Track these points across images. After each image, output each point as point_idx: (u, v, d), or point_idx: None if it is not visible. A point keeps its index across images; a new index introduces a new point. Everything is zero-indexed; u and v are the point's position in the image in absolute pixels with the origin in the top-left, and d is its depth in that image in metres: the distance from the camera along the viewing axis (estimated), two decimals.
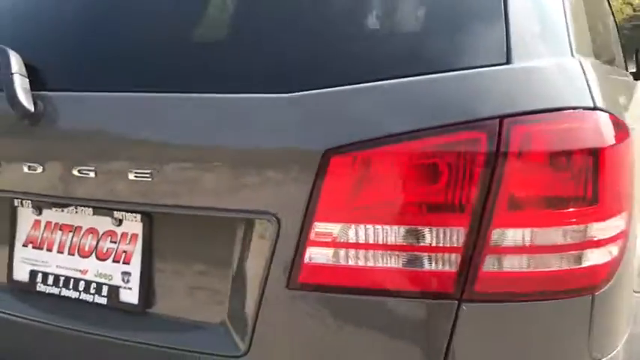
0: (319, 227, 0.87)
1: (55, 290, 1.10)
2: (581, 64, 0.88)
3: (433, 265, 0.85)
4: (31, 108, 0.98)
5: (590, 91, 0.85)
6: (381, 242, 0.86)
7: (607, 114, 0.86)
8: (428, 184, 0.84)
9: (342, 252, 0.88)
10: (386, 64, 0.88)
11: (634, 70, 3.32)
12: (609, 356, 0.93)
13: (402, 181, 0.85)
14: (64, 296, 1.09)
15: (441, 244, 0.84)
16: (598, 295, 0.87)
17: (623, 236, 0.89)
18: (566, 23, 0.92)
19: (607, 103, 0.89)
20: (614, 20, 2.46)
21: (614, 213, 0.87)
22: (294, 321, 0.92)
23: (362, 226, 0.86)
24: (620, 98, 1.14)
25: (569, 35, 0.91)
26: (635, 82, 2.22)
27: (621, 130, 0.90)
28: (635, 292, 1.18)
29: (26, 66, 1.01)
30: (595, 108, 0.85)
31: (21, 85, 0.98)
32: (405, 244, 0.85)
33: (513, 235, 0.83)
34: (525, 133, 0.81)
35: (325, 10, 0.96)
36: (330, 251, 0.88)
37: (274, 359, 0.94)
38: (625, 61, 2.53)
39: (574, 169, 0.82)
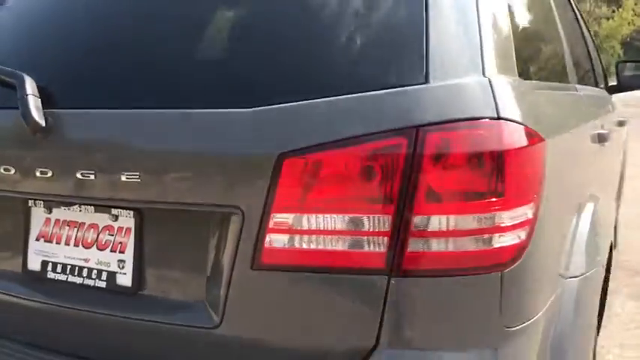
0: (277, 217, 1.06)
1: (62, 277, 1.30)
2: (490, 82, 1.06)
3: (369, 246, 1.03)
4: (42, 123, 1.18)
5: (496, 104, 1.04)
6: (327, 228, 1.05)
7: (513, 122, 1.05)
8: (366, 180, 1.03)
9: (296, 237, 1.06)
10: (328, 85, 1.07)
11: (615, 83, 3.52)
12: (523, 325, 1.10)
13: (345, 179, 1.04)
14: (70, 282, 1.29)
15: (374, 229, 1.03)
16: (507, 271, 1.05)
17: (529, 223, 1.07)
18: (481, 48, 1.10)
19: (518, 114, 1.08)
20: (584, 40, 2.63)
21: (519, 204, 1.05)
22: (258, 296, 1.10)
23: (312, 216, 1.05)
24: (545, 109, 1.32)
25: (482, 58, 1.09)
26: (596, 94, 2.39)
27: (529, 136, 1.08)
28: (572, 277, 1.36)
29: (38, 87, 1.22)
30: (499, 118, 1.03)
31: (34, 104, 1.19)
32: (346, 229, 1.04)
33: (432, 222, 1.01)
34: (437, 138, 1.00)
35: (276, 41, 1.16)
36: (286, 237, 1.07)
37: (241, 329, 1.12)
38: (594, 75, 2.70)
39: (480, 168, 1.01)
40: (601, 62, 3.63)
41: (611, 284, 3.72)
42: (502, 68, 1.15)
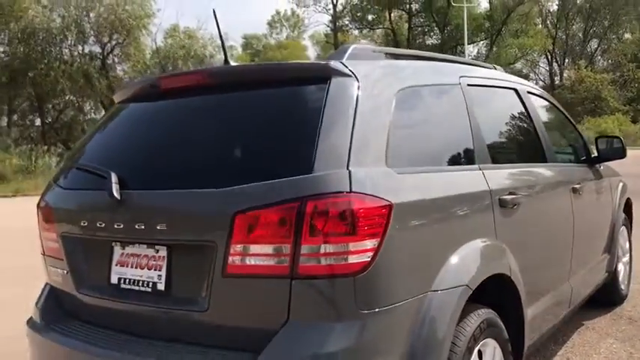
0: (234, 247, 1.95)
1: (129, 287, 2.24)
2: (349, 172, 1.92)
3: (280, 262, 1.90)
4: (119, 198, 2.17)
5: (350, 184, 1.90)
6: (261, 252, 1.93)
7: (360, 194, 1.90)
8: (279, 226, 1.91)
9: (245, 258, 1.95)
10: (261, 174, 1.98)
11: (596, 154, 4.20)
12: (375, 310, 1.91)
13: (268, 225, 1.92)
14: (132, 289, 2.23)
15: (283, 253, 1.90)
16: (358, 277, 1.88)
17: (373, 250, 1.89)
18: (349, 152, 1.97)
19: (367, 189, 1.92)
20: (534, 127, 3.36)
21: (365, 239, 1.88)
22: (226, 293, 1.99)
23: (254, 245, 1.94)
24: (403, 186, 2.10)
25: (349, 158, 1.96)
26: (518, 171, 3.09)
27: (373, 201, 1.92)
28: (435, 290, 2.13)
29: (118, 178, 2.21)
30: (351, 192, 1.89)
31: (115, 188, 2.18)
32: (270, 253, 1.92)
33: (312, 248, 1.87)
34: (312, 203, 1.87)
35: (231, 155, 2.11)
36: (239, 257, 1.95)
37: (219, 313, 2.00)
38: (553, 152, 3.42)
39: (337, 219, 1.86)
40: (583, 140, 4.32)
41: (608, 329, 4.20)
42: (366, 162, 2.00)
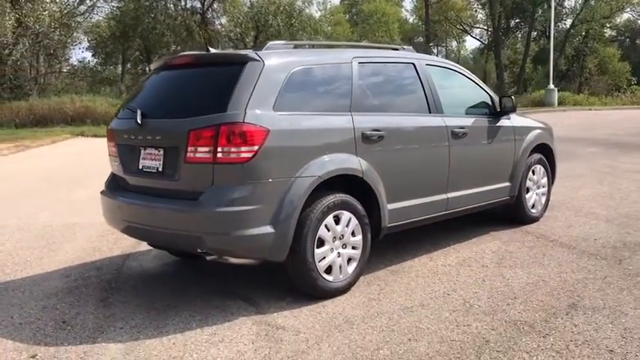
0: (189, 148, 3.93)
1: (146, 170, 4.28)
2: (245, 111, 3.83)
3: (210, 156, 3.86)
4: (140, 123, 4.20)
5: (244, 118, 3.81)
6: (202, 150, 3.89)
7: (248, 123, 3.81)
8: (209, 138, 3.86)
9: (196, 153, 3.91)
10: (200, 111, 3.92)
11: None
12: (255, 182, 3.86)
13: (204, 137, 3.88)
14: (148, 171, 4.27)
15: (211, 150, 3.85)
16: (245, 164, 3.82)
17: (254, 152, 3.80)
18: (249, 101, 3.86)
19: (253, 120, 3.83)
20: (424, 92, 5.05)
21: (250, 145, 3.80)
22: (188, 172, 3.98)
23: (199, 147, 3.89)
24: (279, 121, 4.01)
25: (247, 104, 3.85)
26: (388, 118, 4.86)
27: (256, 127, 3.83)
28: (297, 176, 4.07)
29: (141, 112, 4.24)
30: (243, 122, 3.81)
31: (139, 117, 4.19)
32: (205, 150, 3.87)
33: (225, 150, 3.80)
34: (224, 128, 3.79)
35: (190, 100, 4.09)
36: (193, 153, 3.91)
37: (185, 183, 4.00)
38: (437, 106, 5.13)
39: (237, 137, 3.79)
40: (491, 99, 5.91)
41: (502, 236, 5.74)
42: (258, 107, 3.89)
